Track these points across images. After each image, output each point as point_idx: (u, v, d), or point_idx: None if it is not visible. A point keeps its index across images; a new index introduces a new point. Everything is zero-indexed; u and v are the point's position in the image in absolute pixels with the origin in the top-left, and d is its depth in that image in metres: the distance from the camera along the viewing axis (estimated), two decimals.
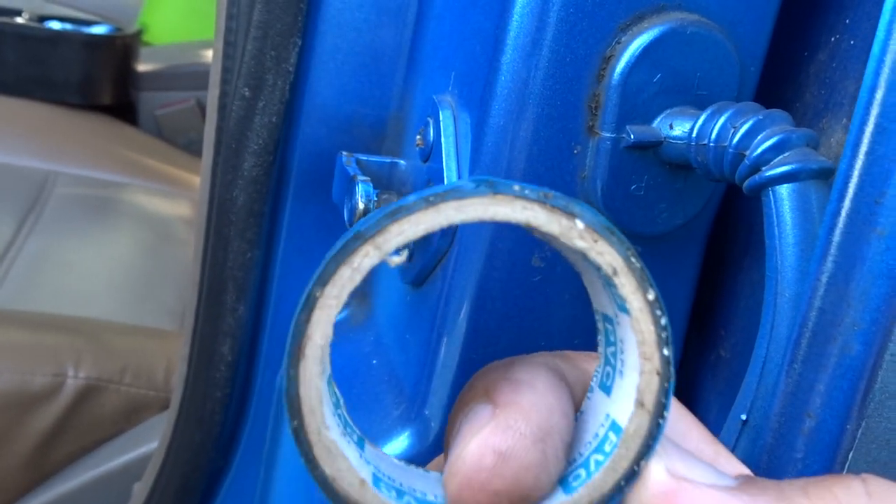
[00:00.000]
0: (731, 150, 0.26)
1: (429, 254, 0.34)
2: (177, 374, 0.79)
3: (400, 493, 0.19)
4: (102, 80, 1.38)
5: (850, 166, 0.18)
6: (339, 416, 0.20)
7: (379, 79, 0.39)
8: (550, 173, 0.31)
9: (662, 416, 0.18)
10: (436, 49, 0.36)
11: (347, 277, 0.18)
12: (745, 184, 0.26)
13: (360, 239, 0.18)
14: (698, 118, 0.28)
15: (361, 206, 0.31)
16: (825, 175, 0.25)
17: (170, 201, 1.22)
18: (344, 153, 0.35)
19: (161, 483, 0.48)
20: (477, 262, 0.32)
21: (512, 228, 0.31)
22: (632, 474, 0.18)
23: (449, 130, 0.33)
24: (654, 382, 0.18)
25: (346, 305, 0.45)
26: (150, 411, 0.78)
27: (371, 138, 0.41)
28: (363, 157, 0.36)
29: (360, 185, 0.31)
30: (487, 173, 0.31)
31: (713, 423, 0.39)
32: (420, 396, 0.35)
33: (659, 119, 0.29)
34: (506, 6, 0.30)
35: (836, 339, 0.20)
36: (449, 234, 0.33)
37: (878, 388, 0.20)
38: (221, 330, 0.42)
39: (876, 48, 0.18)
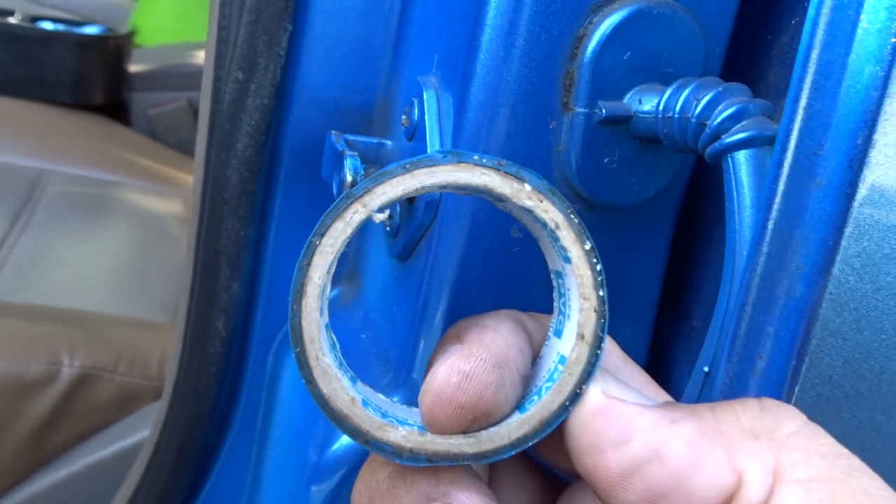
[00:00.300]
0: (693, 121, 0.28)
1: (413, 228, 0.36)
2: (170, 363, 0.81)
3: (384, 415, 0.22)
4: (95, 80, 1.39)
5: (791, 121, 0.20)
6: (335, 354, 0.23)
7: (367, 64, 0.41)
8: (527, 148, 0.32)
9: (600, 347, 0.21)
10: (420, 33, 0.38)
11: (340, 230, 0.22)
12: (707, 151, 0.28)
13: (351, 198, 0.22)
14: (664, 93, 0.30)
15: (349, 178, 0.33)
16: None
17: (162, 199, 1.24)
18: (333, 132, 0.37)
19: (157, 457, 0.49)
20: (459, 235, 0.34)
21: (490, 203, 0.33)
22: (575, 396, 0.21)
23: (432, 109, 0.34)
24: (591, 318, 0.21)
25: (337, 285, 0.47)
26: (143, 400, 0.79)
27: (359, 121, 0.42)
28: (351, 137, 0.38)
29: (348, 160, 0.33)
30: (468, 149, 0.33)
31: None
32: (407, 363, 0.37)
33: (629, 95, 0.31)
34: None
35: (783, 282, 0.22)
36: (432, 209, 0.34)
37: (820, 327, 0.22)
38: (216, 306, 0.43)
39: (811, 11, 0.20)
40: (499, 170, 0.22)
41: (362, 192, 0.22)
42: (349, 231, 0.22)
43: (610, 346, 0.26)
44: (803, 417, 0.20)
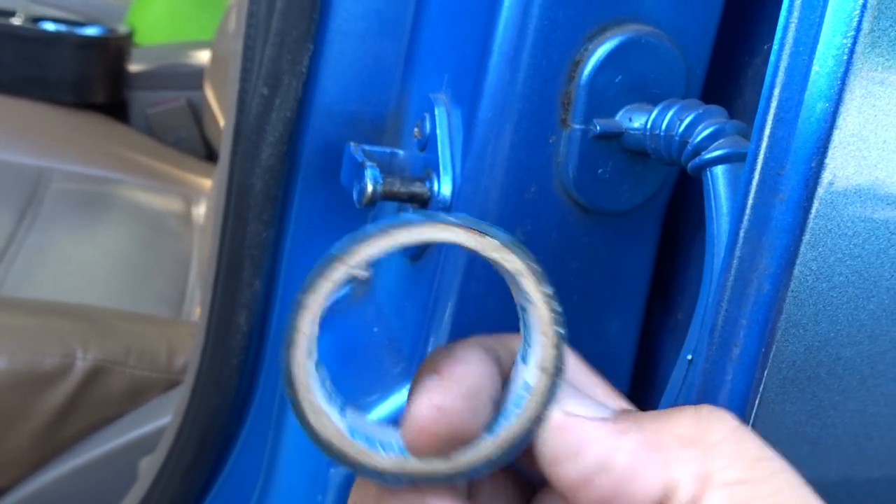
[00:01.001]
0: (677, 138, 0.32)
1: None
2: (180, 355, 0.84)
3: (370, 441, 0.25)
4: (96, 80, 1.41)
5: (758, 146, 0.24)
6: (325, 388, 0.26)
7: (379, 80, 0.45)
8: (530, 160, 0.36)
9: (559, 377, 0.25)
10: (430, 53, 0.41)
11: (324, 287, 0.24)
12: (689, 165, 0.32)
13: (332, 259, 0.24)
14: (652, 112, 0.34)
15: (370, 188, 0.37)
16: None
17: (162, 197, 1.26)
18: (351, 143, 0.41)
19: (179, 445, 0.53)
20: None
21: (498, 205, 0.37)
22: (538, 420, 0.25)
23: (443, 124, 0.38)
24: (550, 353, 0.25)
25: (349, 282, 0.50)
26: (153, 392, 0.83)
27: (372, 132, 0.46)
28: (368, 148, 0.42)
29: (368, 170, 0.37)
30: (476, 160, 0.37)
31: None
32: (419, 355, 0.41)
33: (620, 113, 0.35)
34: (491, 17, 0.35)
35: (753, 281, 0.26)
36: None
37: (784, 319, 0.25)
38: (238, 302, 0.47)
39: (773, 56, 0.23)
40: (466, 227, 0.25)
41: (343, 253, 0.24)
42: (331, 287, 0.24)
43: (575, 363, 0.29)
44: (734, 423, 0.23)
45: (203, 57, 1.54)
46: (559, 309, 0.25)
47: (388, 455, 0.24)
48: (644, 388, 0.45)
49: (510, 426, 0.25)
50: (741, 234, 0.25)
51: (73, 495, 0.78)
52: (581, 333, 0.41)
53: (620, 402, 0.28)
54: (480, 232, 0.25)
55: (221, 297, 0.47)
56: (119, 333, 0.83)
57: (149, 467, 0.57)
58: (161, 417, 0.79)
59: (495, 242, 0.25)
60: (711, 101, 0.34)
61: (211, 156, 1.53)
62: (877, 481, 0.30)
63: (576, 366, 0.29)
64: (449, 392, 0.24)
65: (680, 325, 0.44)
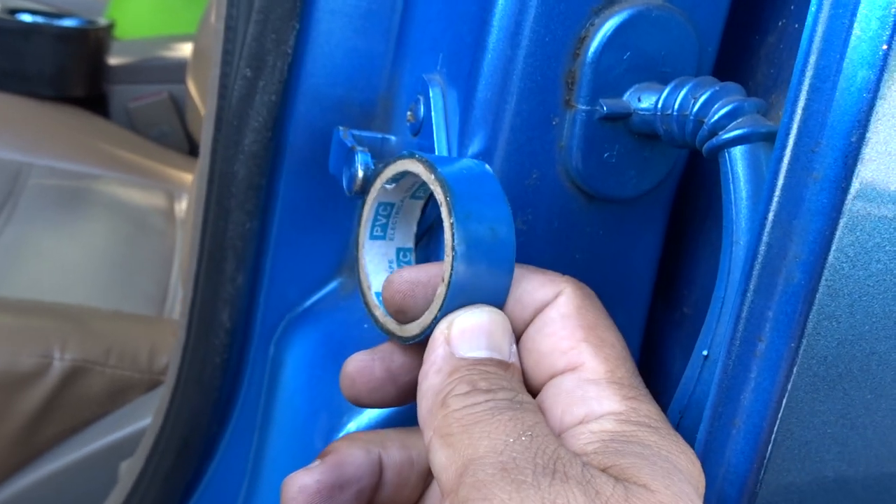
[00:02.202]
0: (691, 118, 0.30)
1: (420, 221, 0.37)
2: (162, 354, 0.81)
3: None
4: (75, 73, 1.38)
5: (790, 120, 0.22)
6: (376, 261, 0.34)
7: (369, 61, 0.42)
8: (531, 143, 0.34)
9: (453, 287, 0.28)
10: (423, 33, 0.39)
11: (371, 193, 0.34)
12: (704, 147, 0.29)
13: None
14: (663, 91, 0.31)
15: (361, 173, 0.34)
16: (772, 138, 0.28)
17: (144, 192, 1.23)
18: (340, 128, 0.38)
19: (160, 448, 0.50)
20: None
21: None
22: (437, 318, 0.29)
23: (438, 106, 0.36)
24: (448, 268, 0.28)
25: (338, 276, 0.48)
26: (134, 392, 0.80)
27: (361, 117, 0.43)
28: (357, 133, 0.39)
29: (359, 155, 0.34)
30: (474, 144, 0.34)
31: (677, 374, 0.42)
32: None
33: (628, 93, 0.33)
34: None
35: (782, 270, 0.23)
36: (437, 202, 0.36)
37: (816, 311, 0.23)
38: (221, 297, 0.44)
39: (809, 19, 0.21)
40: (422, 159, 0.30)
41: (376, 175, 0.33)
42: (374, 194, 0.33)
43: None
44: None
45: (185, 50, 1.51)
46: (461, 234, 0.28)
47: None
48: (648, 384, 0.43)
49: (422, 321, 0.29)
50: (770, 217, 0.23)
51: (51, 500, 0.75)
52: None
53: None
54: (430, 164, 0.29)
55: (203, 292, 0.45)
56: (99, 332, 0.80)
57: (128, 471, 0.54)
58: (142, 419, 0.76)
59: (432, 176, 0.29)
60: (723, 80, 0.32)
61: (194, 150, 1.50)
62: None
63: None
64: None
65: (686, 319, 0.41)
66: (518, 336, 0.29)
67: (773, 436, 0.25)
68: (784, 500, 0.27)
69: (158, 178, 1.27)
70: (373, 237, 0.34)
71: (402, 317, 0.30)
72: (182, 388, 0.47)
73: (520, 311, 0.29)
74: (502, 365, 0.27)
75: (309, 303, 0.48)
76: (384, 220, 0.34)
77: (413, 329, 0.30)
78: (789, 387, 0.25)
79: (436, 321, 0.28)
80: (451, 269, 0.28)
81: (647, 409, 0.27)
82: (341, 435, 0.41)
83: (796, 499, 0.27)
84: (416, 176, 0.30)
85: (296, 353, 0.47)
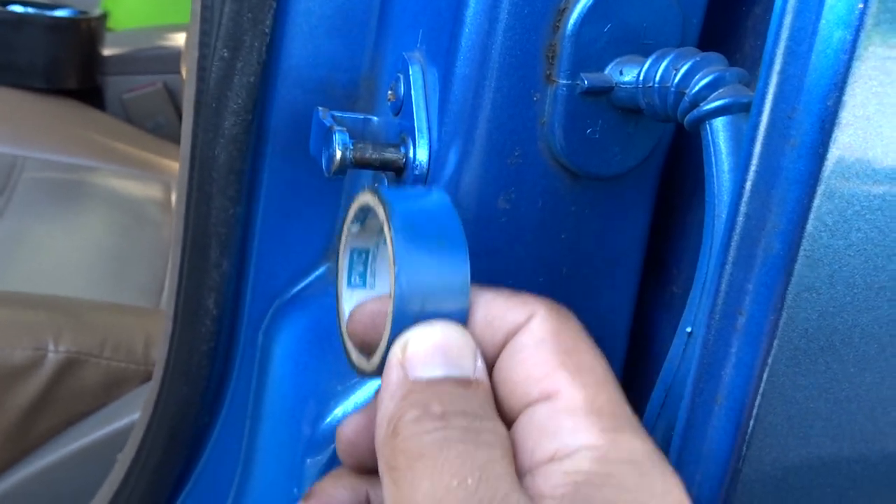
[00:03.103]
0: (672, 90, 0.29)
1: None
2: (157, 346, 0.81)
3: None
4: (68, 64, 1.37)
5: (766, 85, 0.21)
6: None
7: (351, 40, 0.41)
8: (512, 120, 0.33)
9: (394, 299, 0.26)
10: (404, 9, 0.38)
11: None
12: (686, 119, 0.29)
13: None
14: (644, 64, 0.31)
15: (339, 154, 0.34)
16: None
17: (140, 184, 1.23)
18: (320, 108, 0.37)
19: (148, 439, 0.50)
20: None
21: (479, 171, 0.34)
22: (392, 336, 0.27)
23: (418, 84, 0.35)
24: (392, 279, 0.26)
25: (326, 261, 0.47)
26: (130, 384, 0.80)
27: (344, 98, 0.43)
28: (338, 114, 0.38)
29: (336, 135, 0.34)
30: (455, 121, 0.34)
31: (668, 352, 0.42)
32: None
33: (610, 66, 0.32)
34: None
35: (760, 240, 0.23)
36: (420, 182, 0.35)
37: (795, 282, 0.23)
38: (206, 285, 0.44)
39: None
40: (373, 192, 0.29)
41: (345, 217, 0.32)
42: (345, 239, 0.32)
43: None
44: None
45: (179, 39, 1.50)
46: (401, 244, 0.27)
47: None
48: (639, 365, 0.43)
49: (381, 346, 0.27)
50: (747, 186, 0.23)
51: (46, 494, 0.75)
52: (571, 308, 0.38)
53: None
54: (376, 190, 0.29)
55: (188, 280, 0.44)
56: (93, 324, 0.80)
57: (119, 464, 0.54)
58: (138, 411, 0.76)
59: (377, 199, 0.28)
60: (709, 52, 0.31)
61: None
62: (894, 458, 0.27)
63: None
64: None
65: (676, 298, 0.41)
66: (491, 363, 0.27)
67: (756, 411, 0.25)
68: (768, 476, 0.27)
69: (154, 170, 1.27)
70: (351, 285, 0.32)
71: (370, 351, 0.29)
72: (170, 378, 0.47)
73: (490, 335, 0.27)
74: (462, 383, 0.25)
75: (297, 289, 0.47)
76: (362, 268, 0.32)
77: (375, 360, 0.28)
78: (770, 361, 0.24)
79: (389, 344, 0.26)
80: (395, 283, 0.26)
81: (629, 442, 0.24)
82: (328, 421, 0.40)
83: (780, 474, 0.26)
84: (375, 212, 0.29)
85: (284, 340, 0.46)
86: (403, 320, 0.26)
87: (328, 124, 0.35)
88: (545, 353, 0.26)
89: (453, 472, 0.22)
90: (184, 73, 1.31)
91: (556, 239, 0.36)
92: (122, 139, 1.32)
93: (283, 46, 0.40)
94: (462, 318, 0.27)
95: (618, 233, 0.37)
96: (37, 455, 0.76)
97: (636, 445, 0.24)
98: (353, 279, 0.32)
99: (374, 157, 0.34)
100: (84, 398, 0.77)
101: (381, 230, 0.31)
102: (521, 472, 0.24)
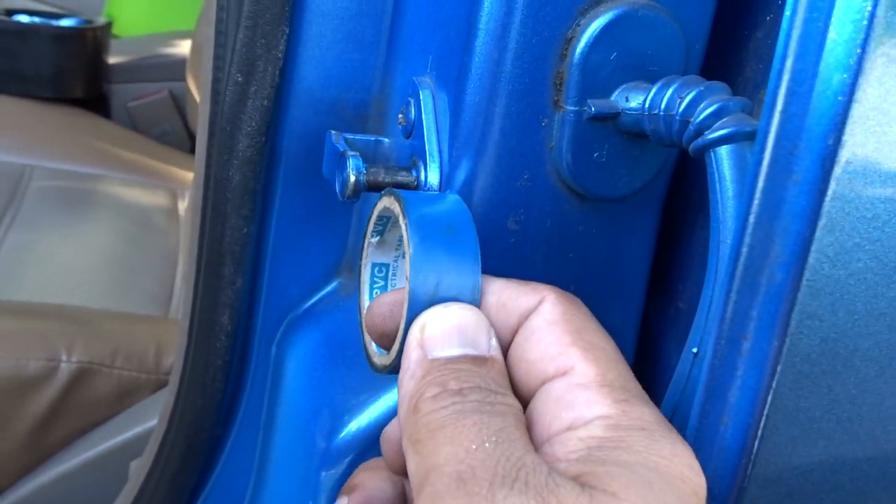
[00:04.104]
0: (678, 118, 0.30)
1: None
2: (168, 354, 0.82)
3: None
4: (74, 74, 1.38)
5: (768, 123, 0.22)
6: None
7: (361, 64, 0.42)
8: (521, 145, 0.34)
9: (409, 281, 0.28)
10: (413, 35, 0.39)
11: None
12: (691, 147, 0.30)
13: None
14: (650, 91, 0.32)
15: (353, 178, 0.35)
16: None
17: (147, 192, 1.24)
18: (332, 132, 0.38)
19: (165, 450, 0.51)
20: None
21: (489, 194, 0.35)
22: (408, 324, 0.28)
23: (429, 108, 0.36)
24: (407, 263, 0.28)
25: (337, 277, 0.48)
26: (141, 393, 0.81)
27: (355, 119, 0.44)
28: (350, 136, 0.39)
29: (350, 160, 0.35)
30: (465, 146, 0.35)
31: (674, 368, 0.43)
32: None
33: (616, 93, 0.33)
34: None
35: (764, 270, 0.24)
36: None
37: (798, 310, 0.24)
38: (221, 301, 0.45)
39: (784, 24, 0.21)
40: (393, 195, 0.31)
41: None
42: (366, 254, 0.34)
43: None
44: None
45: (184, 47, 1.51)
46: (415, 229, 0.29)
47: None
48: (644, 379, 0.43)
49: (399, 333, 0.29)
50: (751, 219, 0.23)
51: (61, 501, 0.76)
52: None
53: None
54: (398, 198, 0.30)
55: (203, 297, 0.45)
56: (105, 334, 0.81)
57: (135, 474, 0.55)
58: (150, 419, 0.77)
59: (391, 197, 0.31)
60: (712, 78, 0.32)
61: (195, 149, 1.50)
62: (894, 477, 0.28)
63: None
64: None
65: (681, 314, 0.42)
66: (505, 345, 0.29)
67: (760, 432, 0.26)
68: (772, 494, 0.28)
69: (161, 177, 1.28)
70: (372, 298, 0.33)
71: (388, 342, 0.30)
72: (186, 391, 0.48)
73: (504, 317, 0.29)
74: (478, 361, 0.26)
75: (309, 304, 0.48)
76: (382, 283, 0.33)
77: (395, 346, 0.29)
78: (774, 384, 0.25)
79: (407, 327, 0.28)
80: (410, 269, 0.27)
81: (640, 411, 0.26)
82: (342, 435, 0.41)
83: (784, 492, 0.27)
84: (393, 220, 0.30)
85: (297, 354, 0.47)
86: (419, 304, 0.28)
87: (341, 149, 0.36)
88: (558, 333, 0.27)
89: (472, 437, 0.23)
90: (189, 81, 1.32)
91: (565, 258, 0.37)
92: (129, 147, 1.33)
93: (296, 69, 0.41)
94: (475, 301, 0.29)
95: (624, 251, 0.38)
96: (50, 464, 0.77)
97: (646, 414, 0.26)
98: (373, 293, 0.34)
99: (386, 180, 0.35)
100: (96, 407, 0.79)
101: (400, 243, 0.33)
102: (538, 443, 0.26)
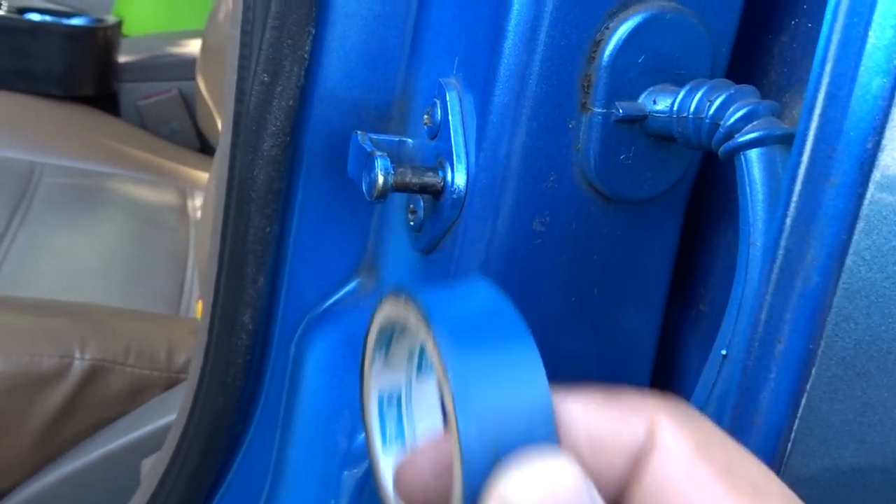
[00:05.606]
0: (707, 121, 0.30)
1: (439, 224, 0.38)
2: (180, 352, 0.82)
3: None
4: (84, 72, 1.39)
5: (807, 126, 0.22)
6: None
7: (384, 64, 0.43)
8: (548, 146, 0.34)
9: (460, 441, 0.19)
10: (438, 36, 0.40)
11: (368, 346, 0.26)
12: (721, 150, 0.30)
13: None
14: (678, 94, 0.32)
15: (381, 179, 0.35)
16: (788, 140, 0.29)
17: (157, 190, 1.24)
18: (358, 132, 0.39)
19: (184, 448, 0.51)
20: (483, 229, 0.36)
21: (515, 195, 0.35)
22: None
23: (455, 110, 0.36)
24: (452, 416, 0.20)
25: (357, 276, 0.49)
26: (153, 391, 0.81)
27: (377, 120, 0.44)
28: (375, 136, 0.40)
29: (378, 160, 0.35)
30: (492, 147, 0.35)
31: (695, 370, 0.43)
32: None
33: (643, 95, 0.33)
34: None
35: (800, 273, 0.24)
36: (458, 205, 0.36)
37: (834, 313, 0.24)
38: (242, 300, 0.45)
39: (825, 28, 0.22)
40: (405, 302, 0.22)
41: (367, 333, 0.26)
42: (369, 382, 0.26)
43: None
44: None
45: (193, 46, 1.52)
46: (456, 375, 0.20)
47: None
48: (665, 381, 0.44)
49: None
50: (787, 222, 0.24)
51: (73, 498, 0.76)
52: (601, 327, 0.39)
53: None
54: (415, 304, 0.21)
55: (224, 295, 0.45)
56: (118, 331, 0.82)
57: (152, 471, 0.55)
58: (162, 417, 0.77)
59: (410, 308, 0.22)
60: (735, 81, 0.32)
61: (205, 148, 1.50)
62: None
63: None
64: None
65: (703, 316, 0.42)
66: (611, 499, 0.21)
67: (793, 434, 0.26)
68: (803, 496, 0.28)
69: (170, 176, 1.28)
70: (388, 444, 0.25)
71: None
72: (205, 389, 0.48)
73: (604, 462, 0.20)
74: None
75: (328, 303, 0.49)
76: (395, 418, 0.25)
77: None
78: (808, 387, 0.25)
79: (469, 501, 0.19)
80: (456, 417, 0.19)
81: None
82: (364, 435, 0.42)
83: (816, 494, 0.27)
84: (405, 327, 0.23)
85: (317, 353, 0.47)
86: (478, 463, 0.19)
87: (369, 149, 0.36)
88: (703, 481, 0.20)
89: None
90: (199, 80, 1.32)
91: (589, 260, 0.37)
92: (138, 145, 1.33)
93: (320, 70, 0.41)
94: (551, 438, 0.20)
95: (647, 253, 0.38)
96: (63, 461, 0.78)
97: None
98: (387, 436, 0.25)
99: (413, 181, 0.35)
100: (109, 405, 0.79)
101: (411, 358, 0.25)
102: None
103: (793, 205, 0.23)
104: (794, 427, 0.26)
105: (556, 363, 0.39)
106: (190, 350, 0.84)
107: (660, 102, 0.33)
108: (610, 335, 0.40)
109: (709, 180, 0.39)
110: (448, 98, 0.36)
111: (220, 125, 1.29)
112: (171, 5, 1.82)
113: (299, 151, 0.44)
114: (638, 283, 0.39)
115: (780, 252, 0.24)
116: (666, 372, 0.43)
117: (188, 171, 1.32)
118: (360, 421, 0.42)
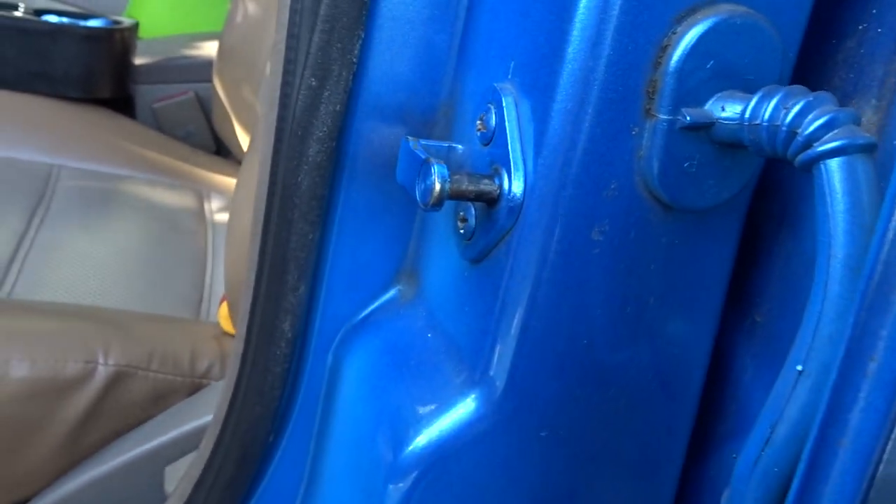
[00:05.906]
0: (783, 129, 0.29)
1: (493, 232, 0.37)
2: (203, 358, 0.81)
3: None
4: (102, 74, 1.38)
5: None
6: None
7: (431, 68, 0.42)
8: (610, 153, 0.33)
9: None
10: (490, 40, 0.39)
11: None
12: (798, 159, 0.29)
13: None
14: (750, 101, 0.31)
15: (438, 187, 0.34)
16: (870, 149, 0.28)
17: (174, 193, 1.24)
18: (409, 138, 0.38)
19: (218, 458, 0.50)
20: (539, 237, 0.35)
21: (574, 204, 0.34)
22: None
23: (512, 115, 0.35)
24: None
25: (396, 284, 0.48)
26: (176, 396, 0.80)
27: (421, 125, 0.43)
28: (424, 142, 0.39)
29: (435, 167, 0.34)
30: (551, 154, 0.34)
31: (748, 381, 0.42)
32: (483, 361, 0.38)
33: (711, 102, 0.32)
34: (568, 1, 0.32)
35: None
36: (514, 213, 0.35)
37: None
38: (282, 308, 0.44)
39: None
40: None
41: None
42: None
43: None
44: None
45: (209, 48, 1.51)
46: None
47: None
48: (717, 391, 0.43)
49: None
50: (889, 235, 0.23)
51: (96, 503, 0.76)
52: (655, 337, 0.38)
53: None
54: None
55: (264, 303, 0.45)
56: (141, 337, 0.81)
57: (185, 479, 0.54)
58: (185, 422, 0.76)
59: None
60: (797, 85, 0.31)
61: (220, 150, 1.50)
62: None
63: None
64: None
65: (757, 326, 0.41)
66: None
67: (885, 455, 0.25)
68: None
69: (187, 179, 1.28)
70: None
71: None
72: (242, 398, 0.47)
73: None
74: None
75: (367, 311, 0.48)
76: None
77: None
78: None
79: None
80: None
81: None
82: (410, 448, 0.41)
83: None
84: None
85: (356, 363, 0.47)
86: None
87: (423, 156, 0.35)
88: None
89: None
90: (216, 82, 1.32)
91: (646, 270, 0.36)
92: (155, 148, 1.33)
93: (366, 74, 0.41)
94: None
95: (705, 262, 0.37)
96: (86, 466, 0.77)
97: None
98: None
99: (469, 188, 0.35)
100: (132, 410, 0.78)
101: None
102: None
103: (895, 218, 0.22)
104: (887, 449, 0.25)
105: (609, 374, 0.38)
106: (213, 355, 0.83)
107: (728, 109, 0.32)
108: (664, 345, 0.39)
109: (768, 188, 0.38)
110: (504, 103, 0.35)
111: (237, 127, 1.28)
112: (181, 9, 1.82)
113: (342, 157, 0.43)
114: (694, 292, 0.38)
115: (879, 266, 0.23)
116: (717, 383, 0.42)
117: (204, 173, 1.31)
118: (404, 431, 0.41)
